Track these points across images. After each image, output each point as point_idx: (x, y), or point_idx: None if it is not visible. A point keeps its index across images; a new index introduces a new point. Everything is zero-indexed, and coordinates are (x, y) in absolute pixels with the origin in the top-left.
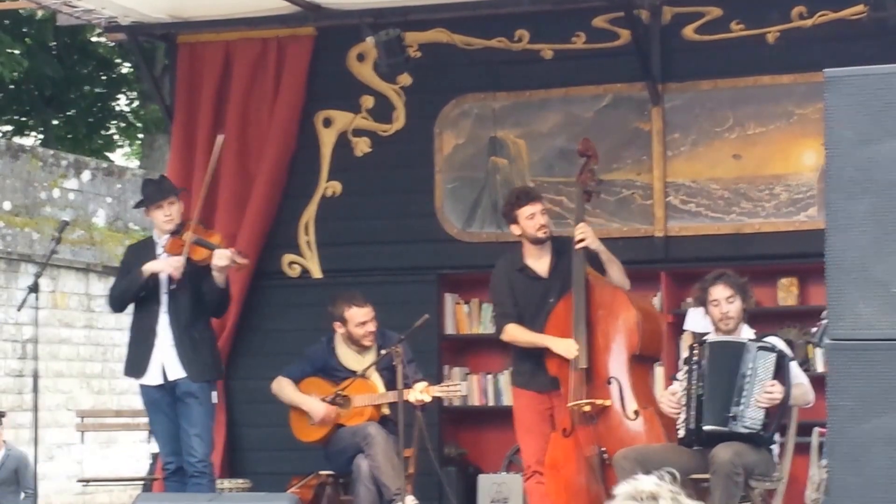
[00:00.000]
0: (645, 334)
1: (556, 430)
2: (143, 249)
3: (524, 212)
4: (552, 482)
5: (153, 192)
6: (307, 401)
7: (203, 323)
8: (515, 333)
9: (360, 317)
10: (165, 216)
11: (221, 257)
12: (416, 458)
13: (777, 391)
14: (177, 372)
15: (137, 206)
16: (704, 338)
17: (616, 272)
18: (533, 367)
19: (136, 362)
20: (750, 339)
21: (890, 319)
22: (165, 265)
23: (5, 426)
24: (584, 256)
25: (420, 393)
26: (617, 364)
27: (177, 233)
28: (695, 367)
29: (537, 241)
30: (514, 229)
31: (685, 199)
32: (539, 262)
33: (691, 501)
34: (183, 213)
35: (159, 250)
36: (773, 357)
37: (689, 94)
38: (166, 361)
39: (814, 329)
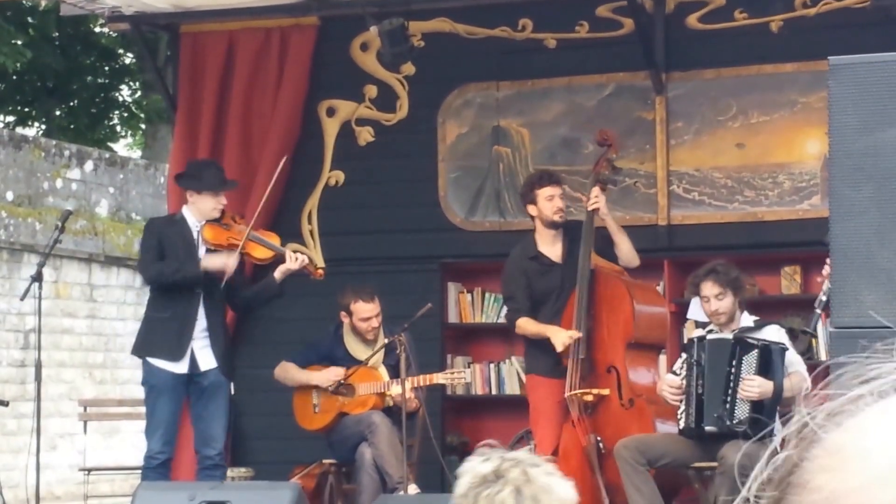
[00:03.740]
0: (641, 322)
1: (567, 421)
2: (173, 227)
3: (544, 192)
4: (563, 472)
5: (217, 181)
6: (313, 375)
7: (225, 316)
8: (525, 327)
9: (364, 312)
10: (220, 204)
11: (296, 261)
12: (419, 446)
13: (755, 386)
14: (208, 363)
15: (193, 185)
16: (704, 334)
17: (626, 245)
18: (553, 354)
19: (163, 346)
20: (737, 335)
21: (893, 307)
22: (224, 263)
23: (9, 416)
24: (591, 244)
25: (409, 391)
26: (615, 353)
27: (217, 221)
28: (694, 364)
29: (552, 225)
30: (531, 210)
31: (688, 188)
32: (552, 249)
33: (541, 462)
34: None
35: (195, 234)
36: (755, 352)
37: (693, 83)
38: (198, 350)
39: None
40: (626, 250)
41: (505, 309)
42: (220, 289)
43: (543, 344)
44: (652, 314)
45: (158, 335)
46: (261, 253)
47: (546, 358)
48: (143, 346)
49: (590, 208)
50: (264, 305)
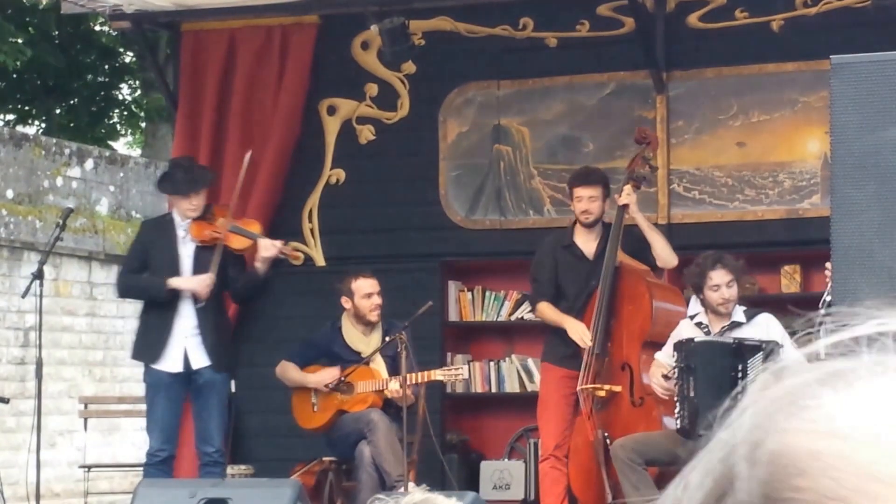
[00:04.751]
0: (658, 321)
1: (580, 415)
2: (162, 229)
3: (576, 192)
4: (572, 466)
5: (184, 184)
6: (311, 377)
7: (223, 310)
8: (544, 311)
9: (366, 288)
10: (192, 206)
11: (269, 248)
12: (419, 444)
13: None
14: (201, 361)
15: (163, 189)
16: (694, 336)
17: (660, 244)
18: (571, 344)
19: (152, 346)
20: (737, 342)
21: (894, 305)
22: (195, 285)
23: (8, 413)
24: (618, 240)
25: (399, 386)
26: (630, 350)
27: (202, 217)
28: (685, 368)
29: (583, 224)
30: (571, 206)
31: (689, 187)
32: (587, 244)
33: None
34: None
35: (181, 232)
36: (759, 355)
37: (693, 82)
38: (190, 349)
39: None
40: (660, 249)
41: (531, 291)
42: (212, 287)
43: (560, 333)
44: (670, 314)
45: (143, 337)
46: (239, 243)
47: (560, 347)
48: (134, 349)
49: (620, 203)
50: (258, 295)
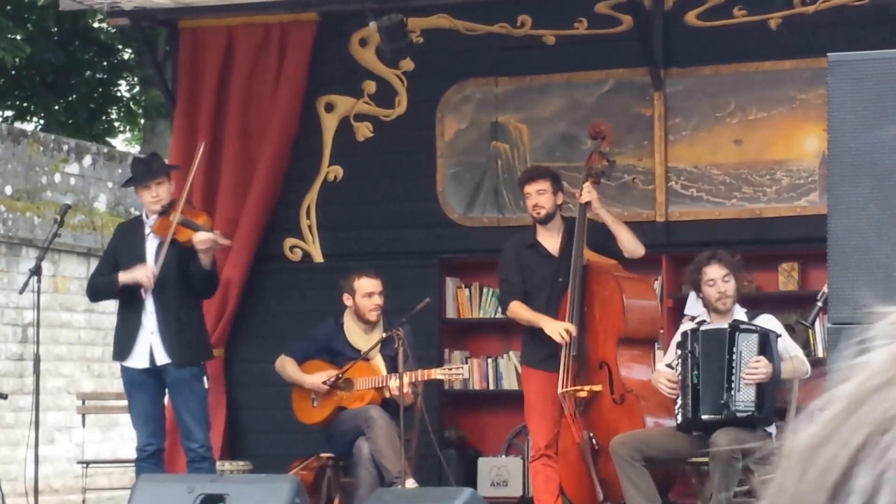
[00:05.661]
0: (631, 317)
1: (563, 416)
2: (132, 230)
3: (525, 190)
4: (562, 468)
5: (141, 173)
6: (307, 378)
7: (190, 305)
8: (517, 311)
9: (368, 287)
10: (153, 197)
11: (202, 241)
12: (417, 441)
13: (762, 367)
14: (163, 357)
15: (126, 184)
16: (696, 326)
17: (626, 236)
18: (548, 346)
19: (122, 345)
20: (733, 323)
21: (891, 303)
22: (136, 275)
23: (6, 409)
24: (583, 239)
25: (406, 385)
26: (606, 348)
27: (165, 213)
28: (688, 354)
29: (536, 221)
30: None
31: (686, 184)
32: (551, 241)
33: None
34: (173, 191)
35: (147, 230)
36: (755, 337)
37: (691, 80)
38: (154, 345)
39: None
40: (626, 240)
41: (499, 292)
42: (173, 281)
43: (537, 335)
44: (642, 309)
45: (116, 335)
46: (185, 236)
47: (539, 350)
48: (113, 349)
49: (580, 202)
50: (208, 288)
